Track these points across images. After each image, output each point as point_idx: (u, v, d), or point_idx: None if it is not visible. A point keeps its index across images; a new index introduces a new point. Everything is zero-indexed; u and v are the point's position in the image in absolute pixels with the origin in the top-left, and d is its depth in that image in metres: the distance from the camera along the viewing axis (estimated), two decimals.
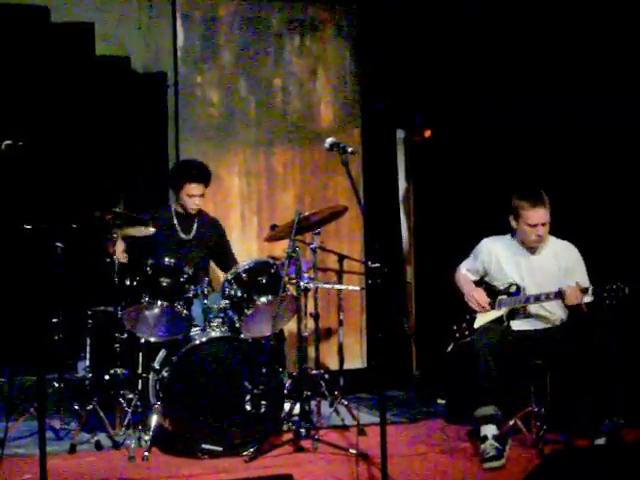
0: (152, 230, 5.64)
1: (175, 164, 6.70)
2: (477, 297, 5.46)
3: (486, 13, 6.55)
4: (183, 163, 6.42)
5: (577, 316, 5.23)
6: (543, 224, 5.29)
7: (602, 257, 5.61)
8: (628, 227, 5.87)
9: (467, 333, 5.41)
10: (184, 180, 5.97)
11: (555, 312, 5.33)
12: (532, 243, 5.37)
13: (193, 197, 5.97)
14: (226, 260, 6.19)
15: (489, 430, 5.04)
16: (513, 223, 5.39)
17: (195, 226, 6.10)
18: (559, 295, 5.14)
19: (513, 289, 5.35)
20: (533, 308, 5.34)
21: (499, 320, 5.35)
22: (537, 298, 5.24)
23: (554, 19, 6.19)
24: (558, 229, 5.42)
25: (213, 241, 6.19)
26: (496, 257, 5.48)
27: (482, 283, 5.56)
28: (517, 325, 5.37)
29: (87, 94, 6.72)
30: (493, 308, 5.40)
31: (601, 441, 4.98)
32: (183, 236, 6.05)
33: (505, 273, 5.43)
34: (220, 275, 6.30)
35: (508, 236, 5.51)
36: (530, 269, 5.38)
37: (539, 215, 5.28)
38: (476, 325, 5.40)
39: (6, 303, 6.35)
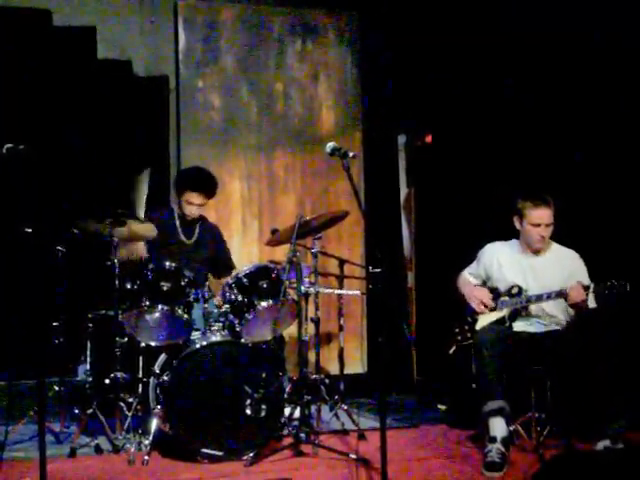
0: (154, 233, 5.63)
1: (182, 170, 6.56)
2: (479, 295, 5.45)
3: (487, 15, 6.56)
4: (188, 171, 6.25)
5: (579, 318, 5.21)
6: (547, 225, 5.29)
7: (602, 260, 5.61)
8: (628, 229, 5.88)
9: (469, 335, 5.40)
10: (185, 187, 5.94)
11: (556, 315, 5.31)
12: (535, 244, 5.36)
13: (191, 205, 5.95)
14: (220, 267, 6.18)
15: (499, 429, 4.96)
16: (517, 224, 5.39)
17: (197, 230, 6.10)
18: (561, 294, 5.13)
19: (515, 291, 5.33)
20: (534, 310, 5.32)
21: (501, 321, 5.34)
22: (539, 297, 5.23)
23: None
24: (560, 232, 5.41)
25: (212, 247, 6.19)
26: (498, 260, 5.48)
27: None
28: (518, 327, 5.36)
29: (88, 97, 6.73)
30: (495, 309, 5.40)
31: (603, 445, 4.94)
32: (185, 239, 6.05)
33: (506, 276, 5.42)
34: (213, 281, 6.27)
35: (513, 241, 5.51)
36: (533, 272, 5.37)
37: (542, 214, 5.28)
38: (478, 327, 5.38)
39: (7, 306, 6.35)
